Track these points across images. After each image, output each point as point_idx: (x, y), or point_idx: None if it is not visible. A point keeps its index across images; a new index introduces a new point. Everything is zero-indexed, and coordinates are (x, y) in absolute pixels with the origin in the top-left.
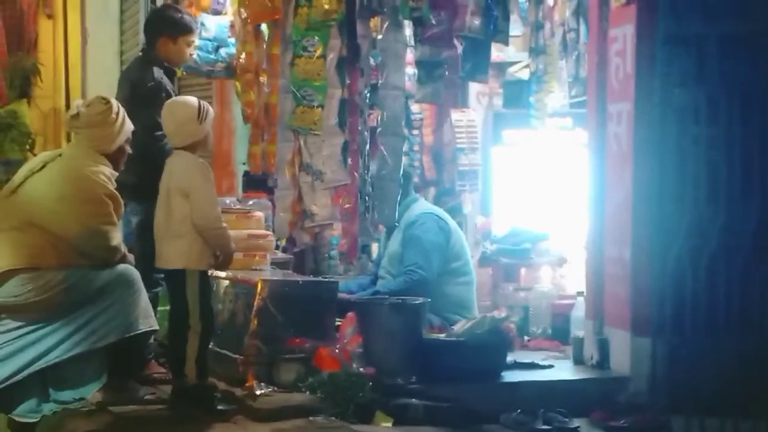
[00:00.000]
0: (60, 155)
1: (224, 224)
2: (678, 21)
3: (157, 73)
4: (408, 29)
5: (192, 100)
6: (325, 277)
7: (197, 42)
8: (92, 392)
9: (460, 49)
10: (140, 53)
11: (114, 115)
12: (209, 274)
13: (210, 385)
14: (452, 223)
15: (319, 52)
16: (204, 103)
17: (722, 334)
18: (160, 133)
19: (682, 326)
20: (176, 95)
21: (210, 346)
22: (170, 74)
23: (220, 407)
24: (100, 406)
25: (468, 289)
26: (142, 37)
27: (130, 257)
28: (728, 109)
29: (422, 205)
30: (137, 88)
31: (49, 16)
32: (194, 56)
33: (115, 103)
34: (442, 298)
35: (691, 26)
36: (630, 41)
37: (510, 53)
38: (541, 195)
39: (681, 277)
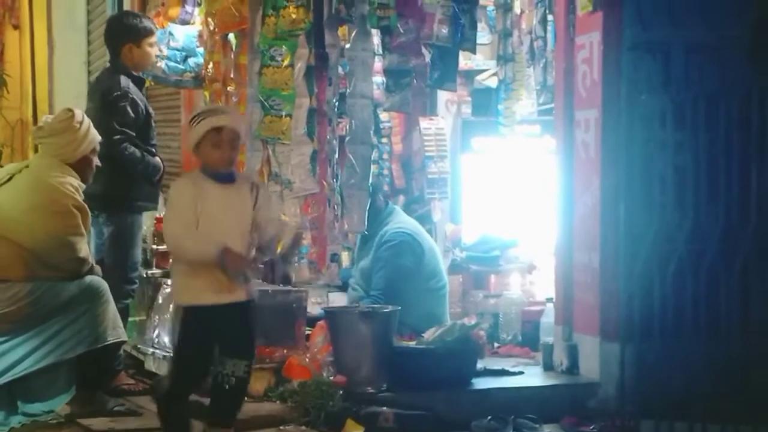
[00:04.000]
0: (27, 166)
1: (187, 242)
2: (644, 28)
3: (124, 81)
4: (376, 38)
5: None
6: (295, 286)
7: (165, 52)
8: (61, 404)
9: (428, 57)
10: (108, 64)
11: (76, 123)
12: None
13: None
14: (427, 241)
15: (286, 62)
16: None
17: (690, 339)
18: (117, 137)
19: (650, 331)
20: (146, 104)
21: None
22: (139, 83)
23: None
24: (68, 418)
25: (441, 302)
26: None
27: (98, 269)
28: (694, 115)
29: (398, 220)
30: (105, 97)
31: (15, 27)
32: (163, 66)
33: (78, 112)
34: (415, 312)
35: (657, 33)
36: (597, 48)
37: (478, 61)
38: (510, 202)
39: (649, 283)
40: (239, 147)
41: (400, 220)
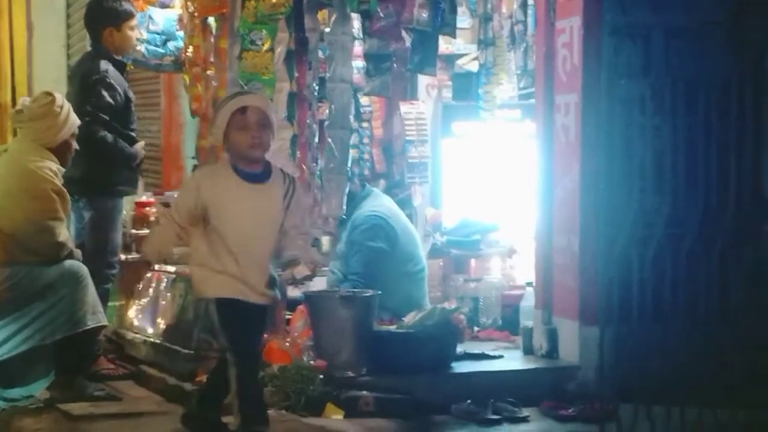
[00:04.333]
0: (5, 151)
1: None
2: (624, 12)
3: (104, 65)
4: (356, 22)
5: None
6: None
7: (145, 35)
8: (40, 389)
9: (408, 41)
10: (89, 48)
11: (57, 108)
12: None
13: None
14: (401, 224)
15: (267, 46)
16: None
17: (669, 323)
18: (87, 119)
19: (629, 315)
20: (126, 88)
21: (160, 343)
22: (121, 68)
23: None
24: (48, 403)
25: (419, 286)
26: None
27: (77, 253)
28: (673, 100)
29: (372, 203)
30: (84, 80)
31: None
32: (142, 49)
33: (59, 96)
34: (394, 296)
35: (637, 18)
36: (577, 33)
37: (458, 45)
38: (491, 186)
39: (628, 267)
40: (270, 131)
41: (375, 204)
